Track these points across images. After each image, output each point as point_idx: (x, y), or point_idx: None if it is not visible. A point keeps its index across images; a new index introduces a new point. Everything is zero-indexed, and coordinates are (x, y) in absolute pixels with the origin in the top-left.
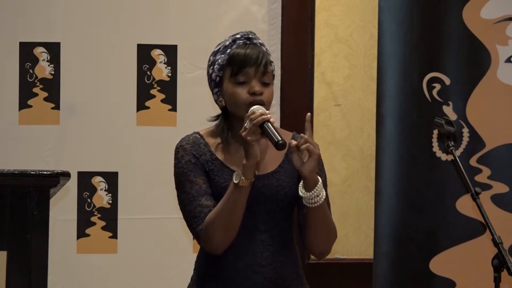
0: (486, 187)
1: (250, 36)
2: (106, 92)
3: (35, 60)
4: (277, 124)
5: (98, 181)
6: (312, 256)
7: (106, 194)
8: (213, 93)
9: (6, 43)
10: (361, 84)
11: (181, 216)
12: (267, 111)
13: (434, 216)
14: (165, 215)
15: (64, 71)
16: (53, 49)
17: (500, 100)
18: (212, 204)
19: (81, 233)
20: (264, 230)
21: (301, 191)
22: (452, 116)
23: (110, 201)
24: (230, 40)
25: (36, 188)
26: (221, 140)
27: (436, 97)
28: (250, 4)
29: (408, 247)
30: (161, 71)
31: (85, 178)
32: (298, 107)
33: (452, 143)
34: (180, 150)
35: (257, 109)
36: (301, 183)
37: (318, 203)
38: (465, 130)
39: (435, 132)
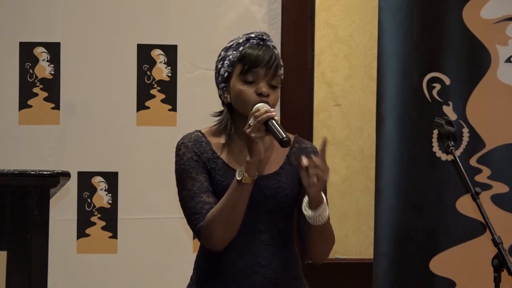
0: (486, 187)
1: (264, 37)
2: (106, 92)
3: (35, 60)
4: None
5: (98, 181)
6: None
7: (106, 194)
8: (218, 88)
9: (6, 43)
10: (361, 84)
11: (181, 216)
12: (272, 109)
13: (434, 216)
14: (165, 215)
15: (64, 71)
16: (53, 49)
17: (500, 100)
18: (213, 201)
19: (81, 233)
20: (264, 230)
21: (305, 209)
22: (452, 116)
23: (110, 201)
24: (244, 38)
25: (36, 188)
26: (224, 138)
27: (436, 97)
28: (250, 4)
29: (408, 247)
30: (161, 71)
31: (85, 178)
32: (298, 107)
33: (452, 143)
34: (181, 147)
35: (261, 106)
36: (305, 201)
37: (320, 222)
38: (465, 130)
39: (435, 132)
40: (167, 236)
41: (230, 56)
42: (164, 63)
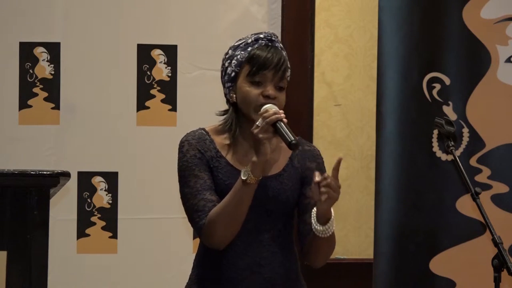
0: (486, 187)
1: (273, 38)
2: (106, 92)
3: (35, 60)
4: None
5: (98, 181)
6: None
7: (106, 194)
8: (224, 87)
9: (6, 43)
10: (361, 84)
11: (182, 216)
12: (280, 111)
13: (434, 216)
14: (165, 215)
15: (64, 71)
16: (53, 49)
17: (500, 100)
18: (216, 199)
19: (81, 233)
20: (264, 231)
21: (314, 221)
22: (452, 116)
23: (110, 201)
24: (253, 39)
25: (36, 188)
26: (228, 137)
27: (436, 97)
28: (250, 4)
29: (408, 247)
30: (161, 71)
31: (85, 178)
32: (298, 107)
33: (452, 143)
34: (185, 144)
35: (270, 107)
36: (313, 214)
37: (327, 235)
38: (465, 130)
39: (435, 132)
40: (167, 236)
41: (238, 56)
42: (164, 63)
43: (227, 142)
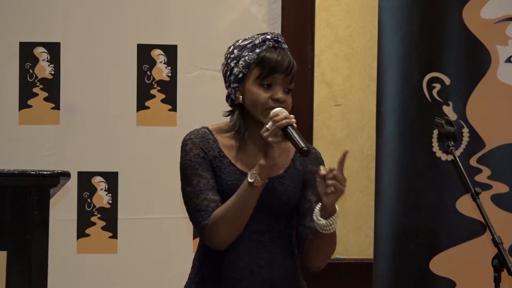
0: (486, 187)
1: (279, 39)
2: (106, 92)
3: (35, 60)
4: None
5: (98, 181)
6: None
7: (106, 194)
8: (229, 87)
9: (6, 43)
10: (361, 84)
11: (181, 216)
12: (291, 115)
13: (434, 216)
14: (165, 215)
15: (64, 71)
16: (53, 49)
17: (500, 100)
18: (219, 199)
19: (81, 233)
20: (264, 231)
21: (317, 217)
22: (452, 116)
23: (110, 201)
24: (260, 40)
25: (36, 188)
26: (232, 137)
27: (436, 97)
28: (250, 4)
29: (408, 247)
30: (161, 71)
31: (85, 178)
32: (298, 107)
33: (452, 143)
34: (188, 143)
35: (280, 111)
36: (317, 209)
37: (330, 231)
38: (465, 130)
39: (435, 132)
40: (167, 236)
41: (246, 57)
42: (164, 63)
43: (231, 141)
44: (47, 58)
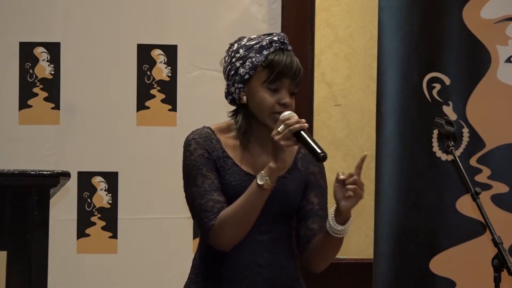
0: (486, 187)
1: (285, 41)
2: (106, 92)
3: (35, 60)
4: None
5: (98, 181)
6: None
7: (106, 194)
8: (232, 86)
9: (6, 43)
10: (361, 84)
11: (181, 216)
12: (302, 120)
13: (434, 216)
14: (165, 215)
15: (64, 71)
16: (53, 49)
17: (500, 100)
18: (223, 200)
19: (81, 233)
20: (265, 232)
21: (334, 222)
22: (452, 116)
23: (110, 201)
24: (267, 41)
25: (36, 188)
26: (234, 137)
27: (436, 97)
28: (250, 4)
29: (408, 247)
30: (161, 71)
31: (85, 178)
32: (298, 107)
33: (452, 143)
34: (192, 143)
35: (291, 115)
36: (331, 213)
37: (342, 236)
38: (465, 130)
39: (435, 132)
40: (167, 236)
41: (253, 59)
42: (164, 63)
43: (233, 141)
44: (47, 58)
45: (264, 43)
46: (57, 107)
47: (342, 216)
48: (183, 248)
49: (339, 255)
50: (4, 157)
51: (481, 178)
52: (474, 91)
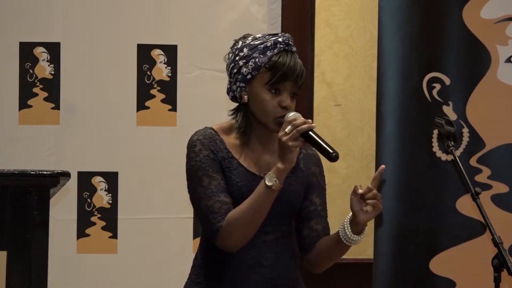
0: (486, 187)
1: (290, 42)
2: (106, 92)
3: (35, 60)
4: None
5: (98, 181)
6: None
7: (106, 194)
8: (234, 84)
9: (6, 43)
10: (361, 84)
11: (181, 216)
12: (309, 120)
13: (434, 216)
14: (165, 215)
15: (64, 71)
16: (53, 49)
17: (500, 100)
18: (230, 201)
19: (81, 233)
20: (269, 232)
21: (349, 232)
22: (452, 116)
23: (110, 201)
24: (272, 42)
25: (36, 188)
26: (237, 137)
27: (436, 97)
28: (250, 4)
29: (408, 247)
30: (161, 71)
31: (85, 178)
32: (298, 107)
33: (452, 143)
34: (197, 144)
35: (297, 116)
36: (347, 222)
37: (353, 244)
38: (465, 130)
39: (435, 132)
40: (167, 236)
41: (257, 59)
42: (164, 63)
43: (236, 141)
44: (47, 58)
45: (269, 43)
46: (57, 107)
47: (358, 227)
48: (183, 248)
49: None
50: (4, 157)
51: (481, 178)
52: (474, 91)
